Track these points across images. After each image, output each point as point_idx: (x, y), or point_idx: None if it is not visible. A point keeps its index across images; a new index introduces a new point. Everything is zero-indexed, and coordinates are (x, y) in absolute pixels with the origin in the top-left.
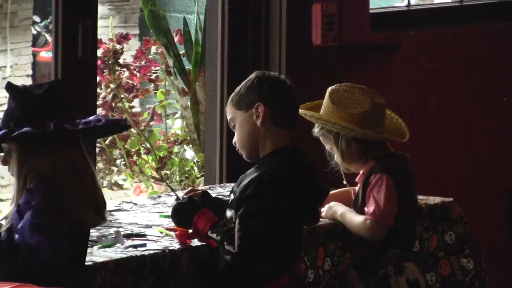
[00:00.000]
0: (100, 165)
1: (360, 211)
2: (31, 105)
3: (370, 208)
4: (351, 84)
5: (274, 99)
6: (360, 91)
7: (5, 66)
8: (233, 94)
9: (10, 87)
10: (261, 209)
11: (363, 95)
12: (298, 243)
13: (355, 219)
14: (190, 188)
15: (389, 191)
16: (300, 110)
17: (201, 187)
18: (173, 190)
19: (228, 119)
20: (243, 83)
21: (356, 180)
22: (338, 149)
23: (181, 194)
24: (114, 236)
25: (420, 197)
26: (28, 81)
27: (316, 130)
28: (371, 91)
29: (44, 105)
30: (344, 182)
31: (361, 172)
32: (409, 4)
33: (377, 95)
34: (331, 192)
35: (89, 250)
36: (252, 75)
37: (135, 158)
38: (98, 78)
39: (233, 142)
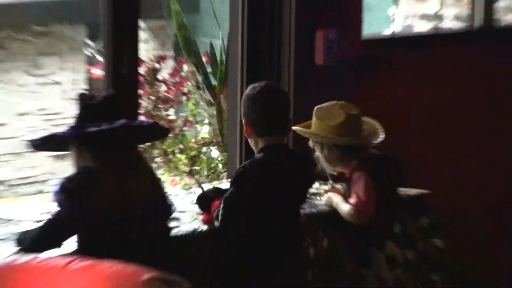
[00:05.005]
0: None
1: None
2: (84, 113)
3: (352, 200)
4: (334, 101)
5: (250, 117)
6: (337, 106)
7: (63, 82)
8: None
9: (77, 97)
10: (240, 190)
11: (340, 109)
12: (288, 228)
13: (344, 207)
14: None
15: (367, 185)
16: (295, 128)
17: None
18: (200, 185)
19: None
20: None
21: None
22: (323, 155)
23: (205, 188)
24: None
25: (403, 189)
26: None
27: (310, 143)
28: (348, 105)
29: (95, 112)
30: (330, 181)
31: (347, 171)
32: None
33: (352, 108)
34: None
35: None
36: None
37: (170, 156)
38: (140, 91)
39: None
